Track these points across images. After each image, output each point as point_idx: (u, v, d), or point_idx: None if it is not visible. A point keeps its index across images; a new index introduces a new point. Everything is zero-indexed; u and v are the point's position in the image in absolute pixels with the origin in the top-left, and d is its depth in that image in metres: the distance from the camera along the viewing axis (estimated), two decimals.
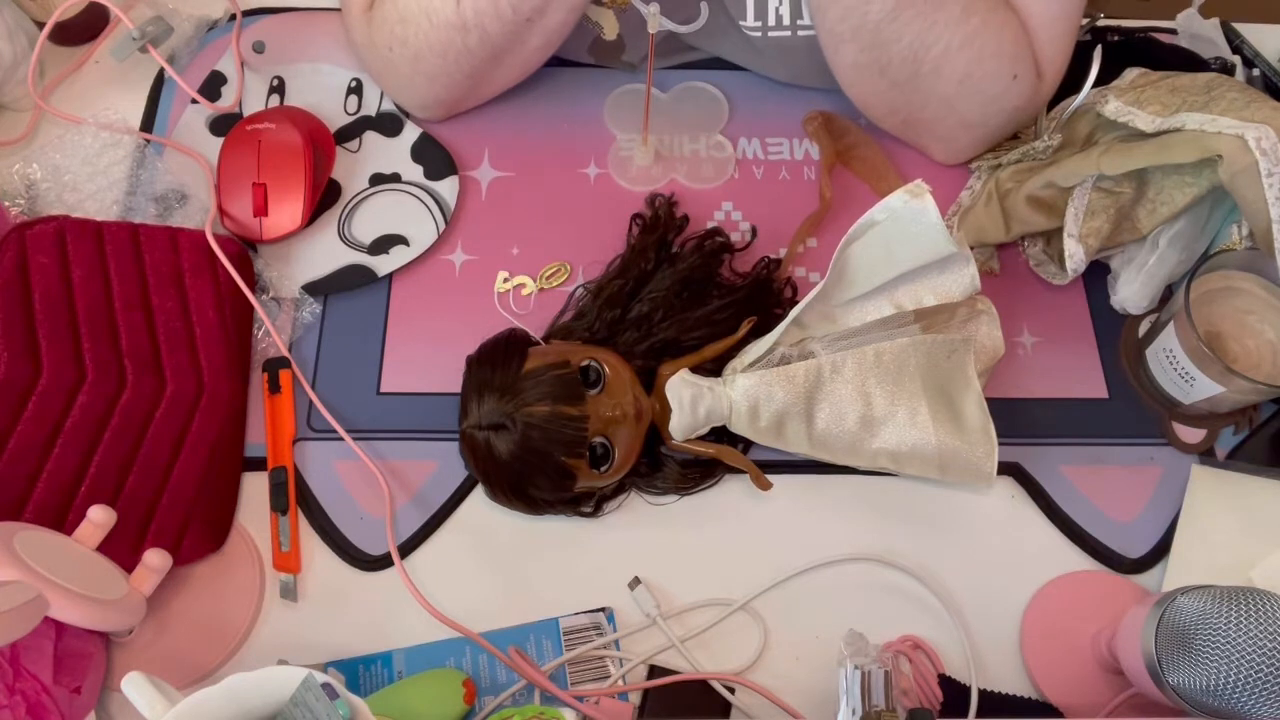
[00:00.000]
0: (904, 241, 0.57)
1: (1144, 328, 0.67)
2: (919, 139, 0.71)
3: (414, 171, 0.71)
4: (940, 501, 0.62)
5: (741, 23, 0.67)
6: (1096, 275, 0.68)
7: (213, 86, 0.74)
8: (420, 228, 0.68)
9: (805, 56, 0.68)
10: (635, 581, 0.59)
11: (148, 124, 0.73)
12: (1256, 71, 0.75)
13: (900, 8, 0.59)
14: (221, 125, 0.72)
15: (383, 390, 0.64)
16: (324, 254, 0.68)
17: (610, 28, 0.70)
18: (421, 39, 0.64)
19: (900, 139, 0.72)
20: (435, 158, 0.71)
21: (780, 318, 0.60)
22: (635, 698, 0.56)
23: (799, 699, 0.56)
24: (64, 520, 0.56)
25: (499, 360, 0.58)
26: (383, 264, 0.67)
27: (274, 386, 0.63)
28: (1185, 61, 0.74)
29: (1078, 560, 0.61)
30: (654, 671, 0.57)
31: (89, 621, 0.49)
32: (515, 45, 0.65)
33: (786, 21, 0.66)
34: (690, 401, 0.58)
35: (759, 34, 0.67)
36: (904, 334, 0.60)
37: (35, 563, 0.49)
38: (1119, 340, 0.67)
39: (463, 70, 0.66)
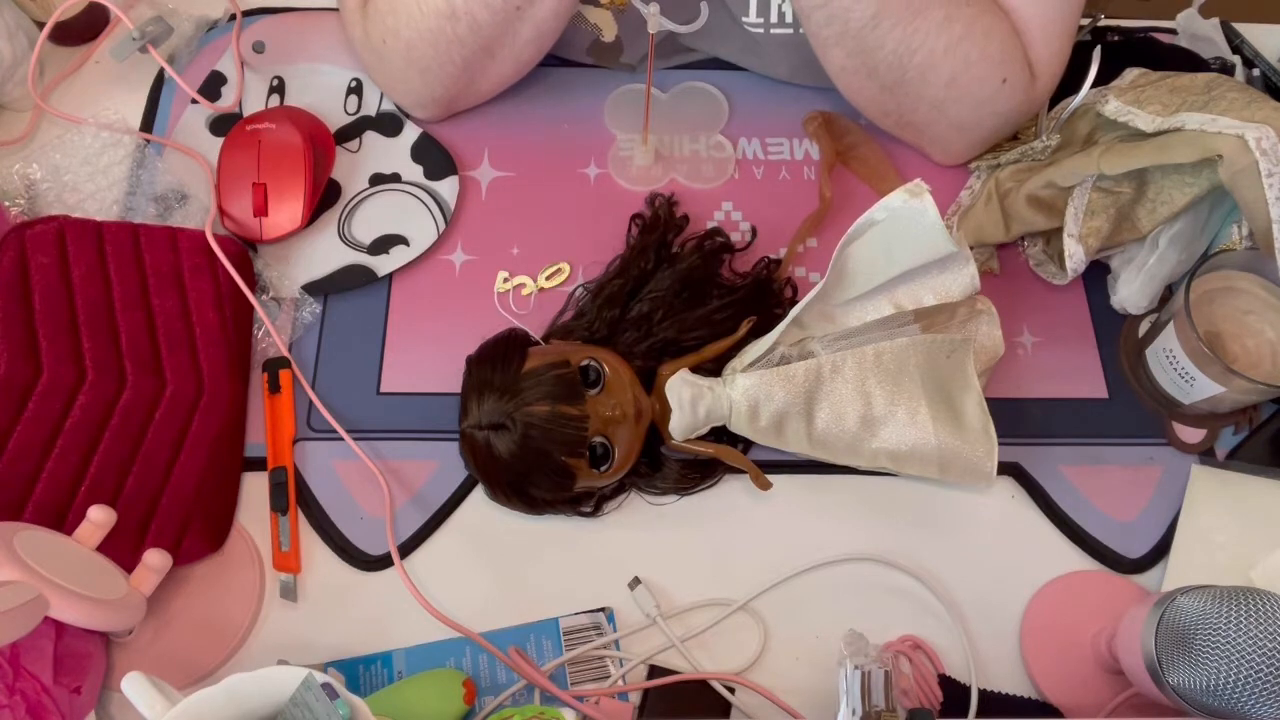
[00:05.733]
0: (903, 241, 0.57)
1: (1144, 328, 0.67)
2: (916, 140, 0.71)
3: (414, 171, 0.71)
4: (940, 501, 0.62)
5: (744, 19, 0.67)
6: (1096, 275, 0.68)
7: (213, 86, 0.74)
8: (420, 228, 0.68)
9: (807, 53, 0.68)
10: (635, 581, 0.59)
11: (148, 124, 0.73)
12: (1256, 71, 0.75)
13: (880, 15, 0.59)
14: (221, 125, 0.72)
15: (383, 390, 0.64)
16: (324, 254, 0.68)
17: (608, 29, 0.70)
18: (412, 28, 0.64)
19: (899, 139, 0.72)
20: (435, 158, 0.71)
21: (780, 318, 0.60)
22: (635, 698, 0.56)
23: (799, 699, 0.56)
24: (64, 520, 0.56)
25: (499, 360, 0.58)
26: (383, 264, 0.67)
27: (274, 386, 0.63)
28: (1185, 61, 0.74)
29: (1078, 560, 0.61)
30: (654, 671, 0.57)
31: (89, 621, 0.49)
32: (506, 36, 0.65)
33: (789, 19, 0.66)
34: (690, 401, 0.58)
35: (761, 30, 0.67)
36: (904, 334, 0.60)
37: (35, 563, 0.49)
38: (1119, 340, 0.67)
39: (455, 63, 0.66)
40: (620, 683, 0.57)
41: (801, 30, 0.67)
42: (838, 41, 0.62)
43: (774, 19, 0.66)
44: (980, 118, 0.66)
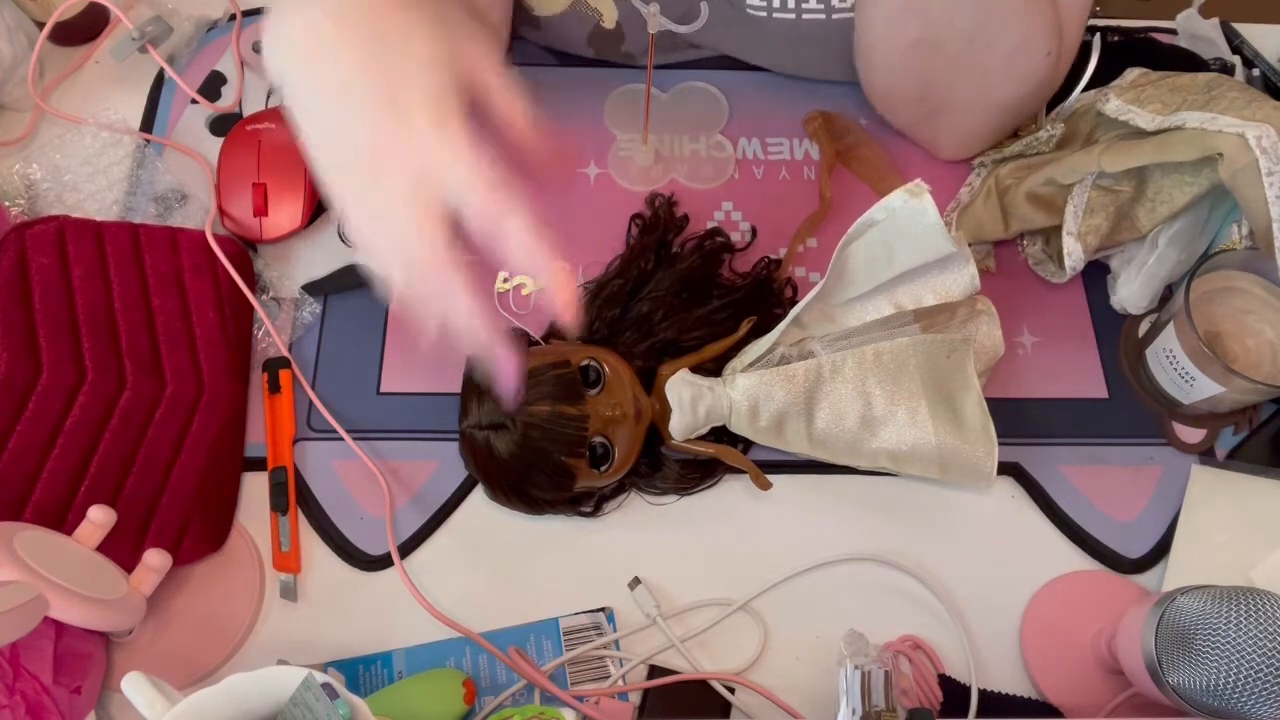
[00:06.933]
0: (903, 241, 0.57)
1: (1144, 328, 0.67)
2: (934, 130, 0.70)
3: None
4: (940, 501, 0.62)
5: (747, 2, 0.66)
6: (1096, 275, 0.68)
7: (213, 86, 0.74)
8: None
9: (810, 43, 0.67)
10: (635, 581, 0.59)
11: (148, 124, 0.73)
12: (1256, 71, 0.75)
13: None
14: (221, 125, 0.72)
15: (383, 390, 0.64)
16: (324, 254, 0.68)
17: (609, 15, 0.70)
18: None
19: (909, 135, 0.72)
20: None
21: (780, 318, 0.60)
22: (635, 698, 0.56)
23: (799, 699, 0.56)
24: (64, 520, 0.56)
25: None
26: None
27: (274, 386, 0.63)
28: (1185, 61, 0.74)
29: (1078, 560, 0.61)
30: (654, 671, 0.57)
31: (89, 621, 0.49)
32: None
33: (791, 4, 0.66)
34: (690, 401, 0.58)
35: (764, 14, 0.67)
36: (904, 334, 0.60)
37: (35, 563, 0.49)
38: (1119, 340, 0.67)
39: None
40: (620, 683, 0.57)
41: (804, 18, 0.66)
42: (921, 9, 0.60)
43: (776, 4, 0.66)
44: (1019, 95, 0.65)
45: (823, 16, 0.66)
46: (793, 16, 0.67)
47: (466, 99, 0.46)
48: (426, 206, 0.44)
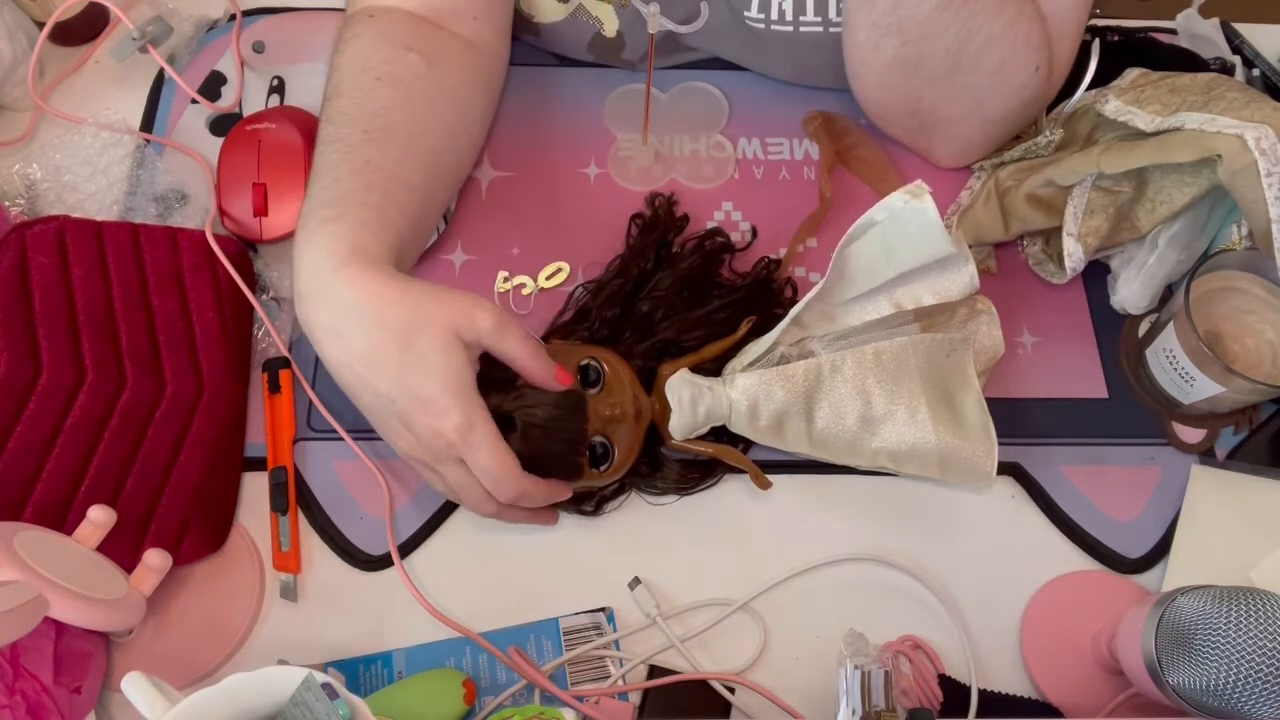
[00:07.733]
0: (903, 241, 0.57)
1: (1144, 328, 0.67)
2: (929, 141, 0.70)
3: None
4: (940, 501, 0.62)
5: (745, 14, 0.67)
6: (1096, 275, 0.68)
7: (213, 86, 0.74)
8: None
9: (808, 53, 0.68)
10: (635, 581, 0.59)
11: (148, 124, 0.73)
12: (1256, 71, 0.75)
13: None
14: (221, 125, 0.72)
15: None
16: None
17: (610, 23, 0.70)
18: None
19: (906, 144, 0.72)
20: None
21: (780, 318, 0.60)
22: (635, 698, 0.56)
23: (799, 699, 0.56)
24: (64, 520, 0.56)
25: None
26: None
27: (274, 386, 0.63)
28: (1185, 61, 0.74)
29: (1078, 560, 0.61)
30: (654, 671, 0.57)
31: (89, 621, 0.49)
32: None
33: (789, 17, 0.66)
34: (690, 401, 0.58)
35: (762, 25, 0.67)
36: (903, 333, 0.60)
37: (35, 563, 0.49)
38: (1119, 340, 0.67)
39: None
40: (620, 683, 0.57)
41: (802, 30, 0.66)
42: (899, 29, 0.60)
43: (774, 16, 0.66)
44: (1009, 109, 0.65)
45: (820, 30, 0.66)
46: (790, 29, 0.67)
47: (474, 355, 0.54)
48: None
